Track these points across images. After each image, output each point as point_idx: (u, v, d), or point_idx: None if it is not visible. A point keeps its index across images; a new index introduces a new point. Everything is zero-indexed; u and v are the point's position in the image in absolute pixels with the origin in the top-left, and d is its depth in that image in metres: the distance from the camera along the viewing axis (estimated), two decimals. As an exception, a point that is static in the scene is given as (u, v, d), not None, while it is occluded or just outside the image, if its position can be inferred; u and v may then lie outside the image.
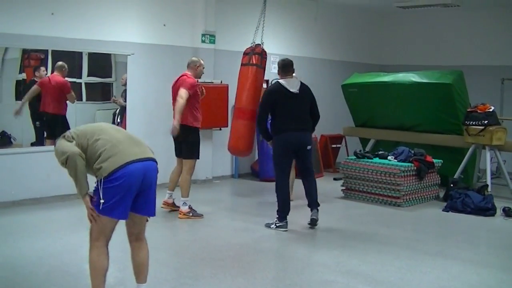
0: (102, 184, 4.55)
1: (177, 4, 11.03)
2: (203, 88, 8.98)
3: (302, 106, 8.13)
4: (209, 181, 11.56)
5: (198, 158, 8.77)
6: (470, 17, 14.17)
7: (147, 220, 4.98)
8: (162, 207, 8.81)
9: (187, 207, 8.59)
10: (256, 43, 10.15)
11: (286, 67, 8.23)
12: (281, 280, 6.08)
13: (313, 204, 8.24)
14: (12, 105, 9.63)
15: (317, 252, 7.29)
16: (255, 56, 9.92)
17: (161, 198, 9.29)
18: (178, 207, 8.77)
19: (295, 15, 13.48)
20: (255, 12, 11.06)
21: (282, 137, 8.01)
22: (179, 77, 8.60)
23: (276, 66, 8.46)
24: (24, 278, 5.81)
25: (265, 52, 10.13)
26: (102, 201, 4.53)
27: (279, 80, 8.17)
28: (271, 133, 8.24)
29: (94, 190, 4.63)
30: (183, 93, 8.27)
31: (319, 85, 11.08)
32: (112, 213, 4.61)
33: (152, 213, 4.91)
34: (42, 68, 9.67)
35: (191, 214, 8.58)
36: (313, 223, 8.18)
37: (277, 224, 8.06)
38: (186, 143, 8.57)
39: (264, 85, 10.80)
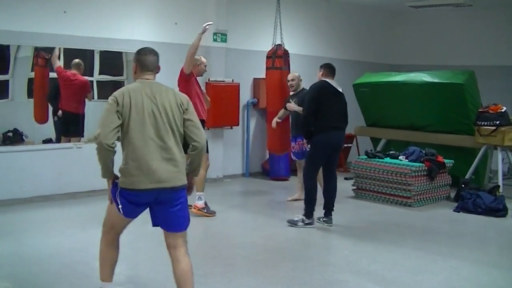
0: (119, 190, 4.47)
1: (189, 2, 11.04)
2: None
3: (343, 106, 8.20)
4: (220, 180, 11.56)
5: (207, 152, 8.77)
6: (483, 17, 14.10)
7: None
8: None
9: (202, 202, 8.59)
10: (277, 44, 10.08)
11: (331, 68, 8.23)
12: (291, 279, 6.07)
13: (329, 208, 8.25)
14: (25, 103, 9.70)
15: (327, 251, 7.28)
16: (279, 59, 9.89)
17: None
18: (190, 205, 8.78)
19: (306, 14, 13.46)
20: (266, 11, 11.08)
21: (326, 136, 7.95)
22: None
23: (320, 68, 8.33)
24: (35, 275, 5.83)
25: (287, 52, 10.06)
26: (120, 206, 4.47)
27: (324, 79, 8.13)
28: (313, 131, 8.09)
29: (113, 185, 4.55)
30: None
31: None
32: (125, 214, 4.57)
33: (175, 230, 4.66)
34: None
35: (205, 211, 8.58)
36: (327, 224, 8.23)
37: (305, 221, 8.05)
38: None
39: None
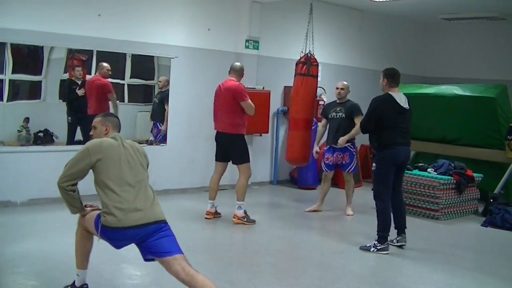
0: (101, 227, 4.80)
1: (222, 9, 11.11)
2: None
3: (408, 121, 7.81)
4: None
5: (249, 161, 8.81)
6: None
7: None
8: (206, 218, 8.83)
9: (242, 211, 8.64)
10: (307, 52, 10.03)
11: (395, 76, 7.82)
12: (316, 288, 6.08)
13: (402, 227, 7.87)
14: (56, 104, 9.79)
15: (353, 262, 7.25)
16: (307, 66, 9.81)
17: (198, 201, 9.38)
18: (220, 214, 8.84)
19: (340, 24, 13.48)
20: (299, 19, 11.08)
21: (391, 152, 7.53)
22: (226, 83, 8.64)
23: (382, 76, 7.85)
24: (63, 273, 5.88)
25: (316, 60, 9.95)
26: (98, 240, 4.97)
27: (389, 92, 7.70)
28: (377, 147, 7.74)
29: (97, 218, 4.89)
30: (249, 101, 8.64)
31: (361, 94, 10.99)
32: (112, 245, 5.03)
33: (175, 251, 4.77)
34: (77, 69, 9.77)
35: (245, 219, 8.62)
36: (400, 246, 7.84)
37: (378, 247, 7.52)
38: (238, 149, 8.62)
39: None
